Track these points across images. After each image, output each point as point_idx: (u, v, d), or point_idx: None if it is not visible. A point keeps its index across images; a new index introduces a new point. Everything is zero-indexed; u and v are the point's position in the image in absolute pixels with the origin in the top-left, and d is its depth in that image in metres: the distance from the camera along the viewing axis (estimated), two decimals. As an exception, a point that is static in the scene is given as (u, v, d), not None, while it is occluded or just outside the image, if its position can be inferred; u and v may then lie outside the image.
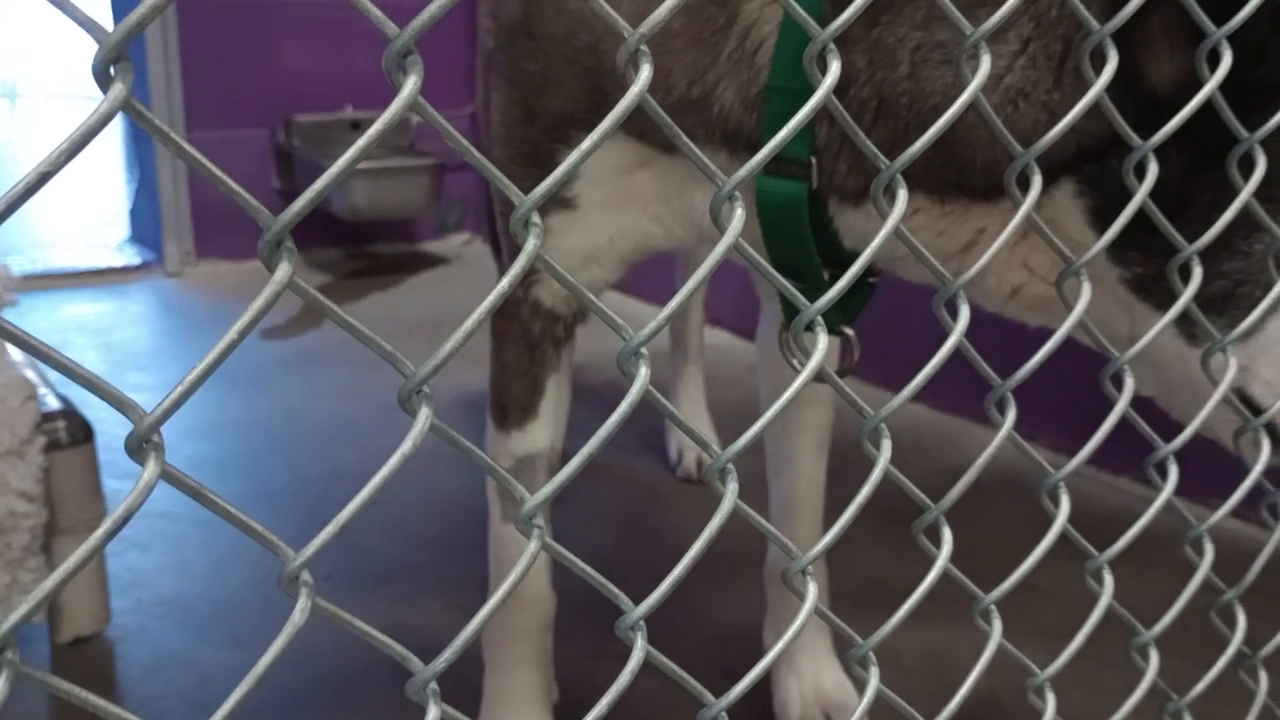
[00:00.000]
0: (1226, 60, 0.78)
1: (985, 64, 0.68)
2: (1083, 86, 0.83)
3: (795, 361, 0.98)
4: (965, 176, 0.88)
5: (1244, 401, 0.89)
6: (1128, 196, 0.79)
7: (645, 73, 0.54)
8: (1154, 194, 0.79)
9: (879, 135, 0.86)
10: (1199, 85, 0.79)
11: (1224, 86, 0.77)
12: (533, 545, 0.51)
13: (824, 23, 0.62)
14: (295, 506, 1.94)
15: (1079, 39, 0.84)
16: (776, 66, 0.92)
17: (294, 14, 3.44)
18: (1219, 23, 0.76)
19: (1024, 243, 0.88)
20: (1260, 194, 0.81)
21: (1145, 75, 0.79)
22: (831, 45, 0.61)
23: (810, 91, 0.91)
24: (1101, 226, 0.86)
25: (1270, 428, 0.90)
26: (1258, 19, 0.79)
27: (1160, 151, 0.77)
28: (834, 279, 0.99)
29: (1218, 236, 0.82)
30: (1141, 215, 0.78)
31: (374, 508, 0.45)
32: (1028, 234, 0.82)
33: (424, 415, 0.46)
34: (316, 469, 2.09)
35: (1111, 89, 0.74)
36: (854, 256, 0.98)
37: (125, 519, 0.39)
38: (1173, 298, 0.83)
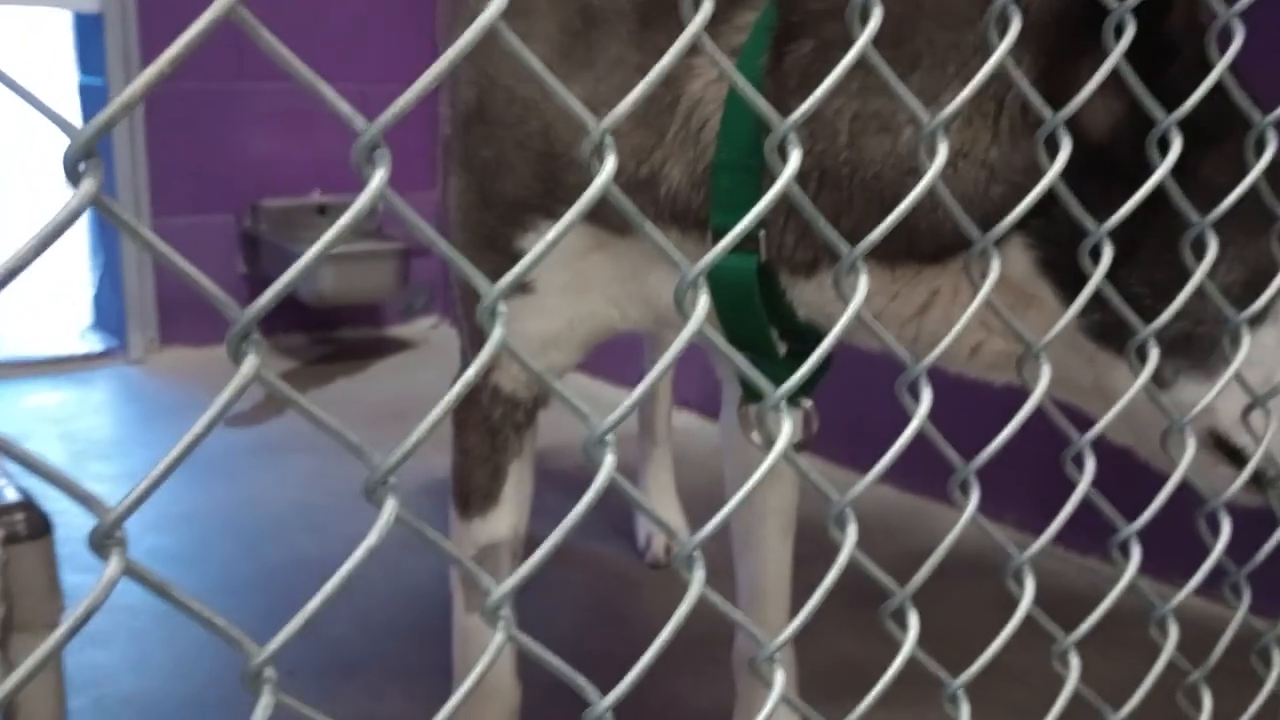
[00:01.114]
0: (1176, 146, 0.80)
1: (943, 150, 0.69)
2: (1018, 142, 0.86)
3: (754, 435, 0.98)
4: (912, 241, 0.89)
5: (1216, 442, 0.90)
6: (1077, 246, 0.80)
7: (610, 163, 0.55)
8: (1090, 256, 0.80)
9: (823, 205, 0.88)
10: (1135, 129, 0.81)
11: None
12: (498, 637, 0.50)
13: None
14: (258, 598, 1.91)
15: (1011, 97, 0.87)
16: (722, 143, 0.94)
17: (261, 100, 3.46)
18: (1147, 65, 0.78)
19: None
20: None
21: (1082, 125, 0.80)
22: (792, 135, 0.62)
23: (755, 166, 0.92)
24: (1053, 277, 0.88)
25: (1258, 479, 0.92)
26: (1174, 19, 0.81)
27: (1108, 199, 0.79)
28: (790, 351, 1.01)
29: (1174, 279, 0.83)
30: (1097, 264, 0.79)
31: (339, 598, 0.45)
32: None
33: (390, 507, 0.46)
34: (280, 559, 2.06)
35: (1049, 140, 0.76)
36: (808, 327, 0.99)
37: (87, 617, 0.38)
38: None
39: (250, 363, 0.42)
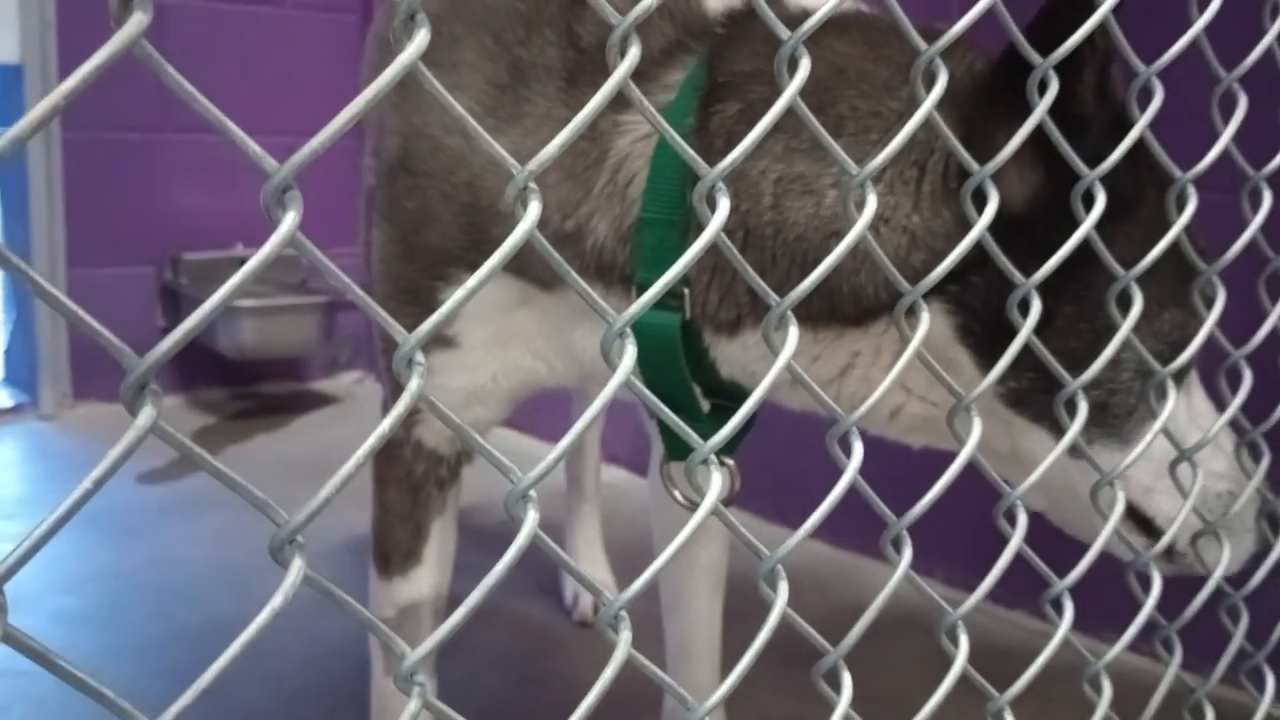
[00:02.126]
0: (1100, 202, 0.81)
1: (872, 203, 0.69)
2: (939, 208, 0.87)
3: (677, 493, 0.97)
4: (834, 303, 0.90)
5: (1127, 511, 0.91)
6: (994, 312, 0.81)
7: (534, 209, 0.53)
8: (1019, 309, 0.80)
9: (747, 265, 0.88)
10: (1050, 202, 0.82)
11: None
12: (413, 704, 0.48)
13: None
14: (169, 661, 1.83)
15: (933, 163, 0.87)
16: (649, 200, 0.93)
17: (183, 152, 3.41)
18: (1063, 118, 0.79)
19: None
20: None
21: (999, 194, 0.80)
22: (721, 184, 0.61)
23: (681, 224, 0.92)
24: (970, 343, 0.88)
25: (1169, 550, 0.92)
26: (1083, 89, 0.83)
27: (1023, 271, 0.79)
28: (713, 409, 1.00)
29: (1089, 348, 0.85)
30: (1010, 332, 0.80)
31: (250, 661, 0.42)
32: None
33: (296, 567, 0.43)
34: (192, 620, 1.99)
35: (975, 197, 0.76)
36: (732, 385, 0.99)
37: (-44, 689, 0.35)
38: (1048, 410, 0.85)
39: (146, 414, 0.39)
